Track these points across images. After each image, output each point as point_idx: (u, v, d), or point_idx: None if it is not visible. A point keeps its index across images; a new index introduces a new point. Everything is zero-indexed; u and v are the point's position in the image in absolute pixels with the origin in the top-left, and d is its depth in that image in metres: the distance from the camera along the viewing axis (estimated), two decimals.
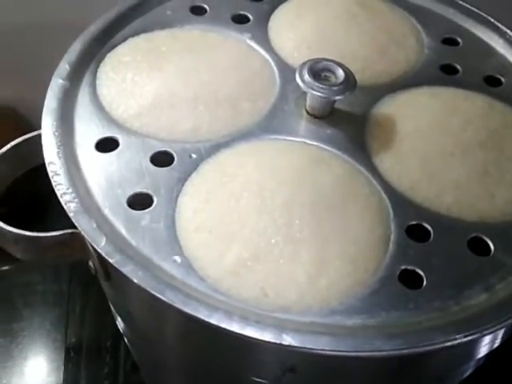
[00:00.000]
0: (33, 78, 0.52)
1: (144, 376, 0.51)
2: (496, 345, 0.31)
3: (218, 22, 0.42)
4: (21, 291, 0.61)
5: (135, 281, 0.27)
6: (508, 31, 0.42)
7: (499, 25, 0.42)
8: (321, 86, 0.34)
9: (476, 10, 0.43)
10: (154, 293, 0.27)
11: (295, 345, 0.26)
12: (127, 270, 0.28)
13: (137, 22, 0.42)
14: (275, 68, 0.39)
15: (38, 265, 0.58)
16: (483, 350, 0.30)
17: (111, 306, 0.42)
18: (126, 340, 0.48)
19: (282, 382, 0.29)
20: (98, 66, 0.39)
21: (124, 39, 0.40)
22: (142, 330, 0.36)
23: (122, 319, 0.39)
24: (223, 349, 0.29)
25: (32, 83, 0.50)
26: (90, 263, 0.32)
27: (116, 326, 0.50)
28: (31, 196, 0.61)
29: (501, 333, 0.30)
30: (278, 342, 0.26)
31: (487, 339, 0.29)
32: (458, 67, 0.40)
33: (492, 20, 0.43)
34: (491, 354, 0.34)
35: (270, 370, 0.29)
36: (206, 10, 0.43)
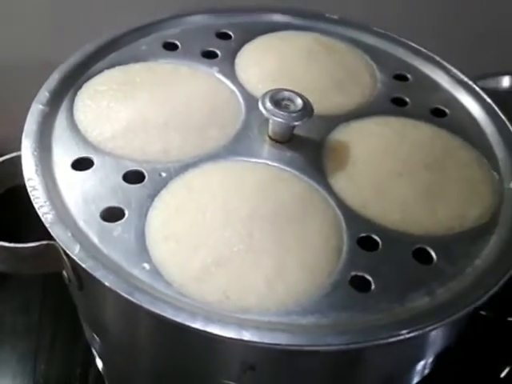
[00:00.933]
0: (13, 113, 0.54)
1: None
2: (439, 349, 0.34)
3: (189, 57, 0.45)
4: None
5: (106, 284, 0.30)
6: (452, 68, 0.46)
7: (445, 63, 0.47)
8: (281, 112, 0.37)
9: (424, 50, 0.48)
10: (123, 294, 0.29)
11: (254, 340, 0.28)
12: (99, 274, 0.30)
13: (113, 55, 0.45)
14: (241, 98, 0.42)
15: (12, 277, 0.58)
16: (428, 351, 0.33)
17: (84, 324, 0.43)
18: (98, 363, 0.49)
19: (243, 381, 0.31)
20: (75, 94, 0.41)
21: (100, 71, 0.43)
22: (114, 341, 0.37)
23: (96, 334, 0.40)
24: (189, 349, 0.31)
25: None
26: (64, 273, 0.34)
27: (86, 355, 0.51)
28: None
29: (442, 334, 0.32)
30: (238, 337, 0.28)
31: (429, 339, 0.32)
32: (408, 100, 0.44)
33: (438, 59, 0.47)
34: (439, 360, 0.37)
35: (231, 368, 0.31)
36: (177, 46, 0.47)
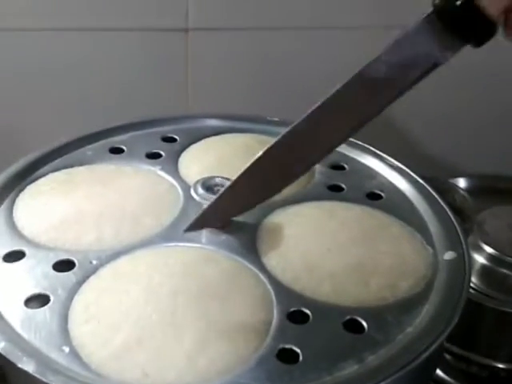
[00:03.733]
0: None
1: None
2: None
3: (133, 159, 0.47)
4: None
5: (19, 365, 0.29)
6: (387, 157, 0.48)
7: (380, 152, 0.49)
8: (212, 196, 0.38)
9: (360, 143, 0.50)
10: (36, 375, 0.28)
11: None
12: (13, 356, 0.29)
13: (58, 160, 0.47)
14: (180, 190, 0.43)
15: None
16: None
17: None
18: None
19: None
20: (17, 195, 0.42)
21: (46, 174, 0.45)
22: None
23: None
24: None
25: None
26: None
27: None
28: None
29: None
30: None
31: None
32: (343, 186, 0.45)
33: (373, 149, 0.49)
34: None
35: None
36: (123, 150, 0.48)
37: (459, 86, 0.67)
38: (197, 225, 0.38)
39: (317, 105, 0.33)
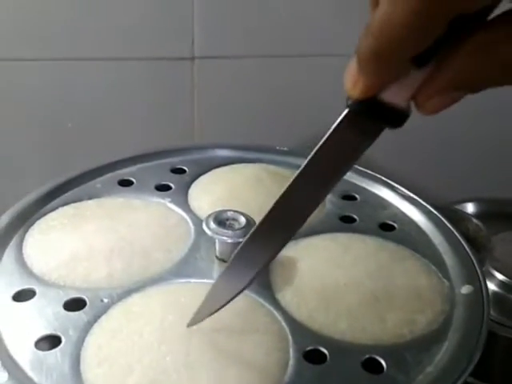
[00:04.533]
0: None
1: None
2: None
3: (142, 191, 0.47)
4: None
5: None
6: (399, 187, 0.47)
7: (391, 182, 0.48)
8: (225, 231, 0.38)
9: (371, 172, 0.49)
10: None
11: None
12: None
13: (68, 194, 0.46)
14: (191, 224, 0.43)
15: None
16: None
17: None
18: None
19: None
20: (26, 231, 0.42)
21: (55, 208, 0.44)
22: None
23: None
24: None
25: None
26: None
27: None
28: None
29: None
30: None
31: None
32: (355, 217, 0.45)
33: (384, 179, 0.48)
34: None
35: None
36: (132, 182, 0.48)
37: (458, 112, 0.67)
38: (202, 315, 0.32)
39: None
